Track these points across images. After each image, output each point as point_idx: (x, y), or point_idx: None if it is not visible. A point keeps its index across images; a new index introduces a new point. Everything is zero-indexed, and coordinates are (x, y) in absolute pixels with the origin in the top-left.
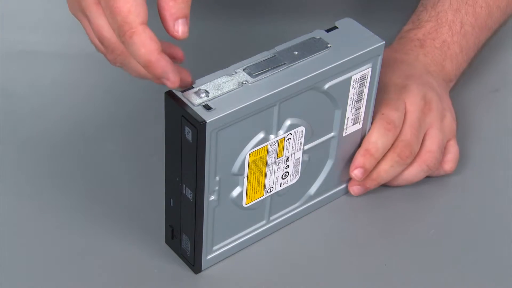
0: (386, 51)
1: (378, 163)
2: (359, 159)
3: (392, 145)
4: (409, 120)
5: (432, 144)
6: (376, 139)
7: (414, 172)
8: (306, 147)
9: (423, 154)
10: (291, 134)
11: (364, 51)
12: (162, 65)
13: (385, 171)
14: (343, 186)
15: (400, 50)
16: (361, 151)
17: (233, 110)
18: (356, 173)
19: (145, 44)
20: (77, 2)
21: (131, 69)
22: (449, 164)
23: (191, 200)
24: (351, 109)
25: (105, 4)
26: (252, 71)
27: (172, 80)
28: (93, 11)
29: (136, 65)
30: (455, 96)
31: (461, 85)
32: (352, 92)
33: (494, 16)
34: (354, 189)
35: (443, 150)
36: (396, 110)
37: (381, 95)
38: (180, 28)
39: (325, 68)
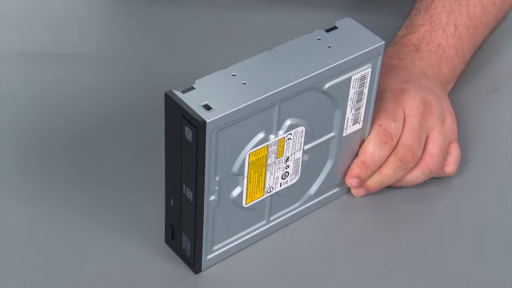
0: None
1: (380, 167)
2: (355, 169)
3: (394, 149)
4: (410, 125)
5: (434, 147)
6: (373, 152)
7: (416, 175)
8: (306, 147)
9: (426, 158)
10: (291, 134)
11: (364, 51)
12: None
13: (387, 175)
14: (344, 186)
15: (395, 56)
16: (357, 161)
17: (233, 110)
18: (351, 181)
19: None
20: None
21: None
22: (450, 166)
23: (191, 200)
24: (351, 109)
25: None
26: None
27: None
28: None
29: None
30: (454, 96)
31: (461, 85)
32: (352, 92)
33: (490, 14)
34: (356, 191)
35: (445, 153)
36: (393, 120)
37: (379, 103)
38: (352, 183)
39: (325, 68)
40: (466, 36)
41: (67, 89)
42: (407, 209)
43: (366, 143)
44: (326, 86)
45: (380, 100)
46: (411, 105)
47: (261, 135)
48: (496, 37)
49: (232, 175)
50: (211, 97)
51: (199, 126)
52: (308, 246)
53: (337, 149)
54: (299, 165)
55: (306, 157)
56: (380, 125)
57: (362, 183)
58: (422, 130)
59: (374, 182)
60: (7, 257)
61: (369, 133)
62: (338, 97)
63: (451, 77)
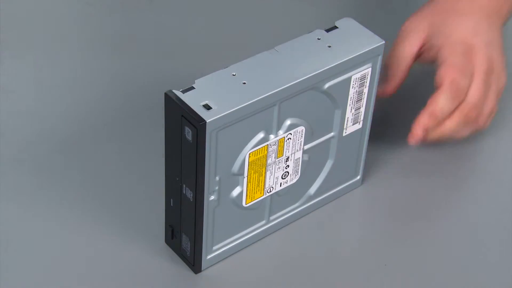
0: None
1: (444, 120)
2: (424, 119)
3: (460, 105)
4: (477, 83)
5: (488, 107)
6: (444, 105)
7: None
8: (306, 147)
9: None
10: (291, 134)
11: (364, 51)
12: None
13: (450, 129)
14: (343, 186)
15: None
16: (426, 112)
17: (233, 110)
18: (418, 131)
19: None
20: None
21: None
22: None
23: (191, 200)
24: (351, 109)
25: None
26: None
27: None
28: None
29: None
30: None
31: None
32: (352, 92)
33: None
34: (413, 138)
35: (493, 111)
36: (465, 77)
37: (450, 55)
38: (419, 132)
39: (325, 68)
40: None
41: (66, 88)
42: (407, 209)
43: (437, 95)
44: (326, 86)
45: (452, 52)
46: (480, 63)
47: (261, 135)
48: None
49: (232, 175)
50: (211, 97)
51: (199, 126)
52: (308, 246)
53: (337, 149)
54: (299, 165)
55: (306, 157)
56: (453, 79)
57: (427, 133)
58: (486, 89)
59: (434, 133)
60: (7, 257)
61: (439, 84)
62: (338, 97)
63: (507, 17)
